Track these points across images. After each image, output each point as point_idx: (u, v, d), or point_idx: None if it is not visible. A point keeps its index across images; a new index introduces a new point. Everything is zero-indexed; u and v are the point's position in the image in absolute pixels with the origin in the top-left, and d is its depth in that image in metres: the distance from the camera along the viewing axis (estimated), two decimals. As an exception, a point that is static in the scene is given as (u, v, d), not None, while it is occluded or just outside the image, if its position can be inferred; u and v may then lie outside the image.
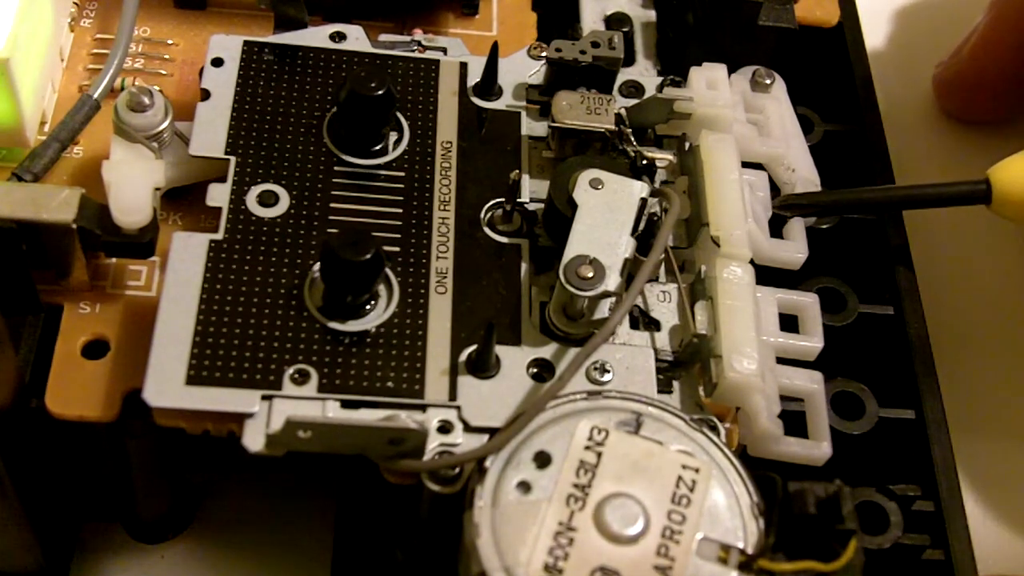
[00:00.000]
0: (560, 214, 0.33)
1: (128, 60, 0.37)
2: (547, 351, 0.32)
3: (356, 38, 0.37)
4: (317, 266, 0.32)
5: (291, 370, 0.30)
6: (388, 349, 0.31)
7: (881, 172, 0.39)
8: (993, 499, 0.40)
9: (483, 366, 0.31)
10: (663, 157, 0.36)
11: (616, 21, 0.40)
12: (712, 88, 0.36)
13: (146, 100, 0.33)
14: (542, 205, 0.34)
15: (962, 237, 0.45)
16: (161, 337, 0.30)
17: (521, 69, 0.37)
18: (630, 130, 0.35)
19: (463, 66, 0.37)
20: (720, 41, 0.38)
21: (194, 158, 0.34)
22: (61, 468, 0.34)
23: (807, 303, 0.34)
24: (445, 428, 0.30)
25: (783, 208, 0.36)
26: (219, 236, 0.32)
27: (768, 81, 0.38)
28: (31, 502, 0.32)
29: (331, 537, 0.36)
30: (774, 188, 0.36)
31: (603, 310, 0.32)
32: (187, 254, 0.32)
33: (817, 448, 0.32)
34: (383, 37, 0.37)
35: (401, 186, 0.34)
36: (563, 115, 0.35)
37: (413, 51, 0.37)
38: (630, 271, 0.32)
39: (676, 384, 0.32)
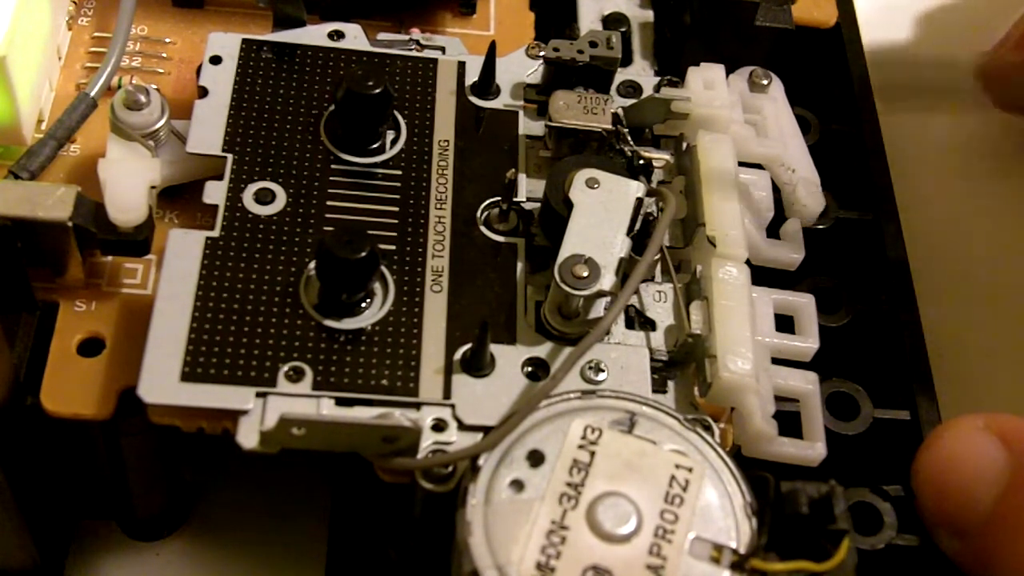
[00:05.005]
0: (556, 213, 0.33)
1: (125, 58, 0.37)
2: (542, 350, 0.32)
3: (354, 37, 0.37)
4: (313, 264, 0.32)
5: (286, 367, 0.30)
6: (383, 347, 0.31)
7: (878, 172, 0.39)
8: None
9: (478, 365, 0.31)
10: (660, 157, 0.36)
11: (614, 21, 0.40)
12: (709, 88, 0.36)
13: (142, 98, 0.33)
14: (538, 204, 0.34)
15: (959, 238, 0.45)
16: (156, 334, 0.30)
17: (519, 68, 0.37)
18: (627, 130, 0.35)
19: (461, 65, 0.37)
20: (717, 41, 0.38)
21: (191, 156, 0.34)
22: (56, 466, 0.34)
23: (803, 304, 0.34)
24: (439, 426, 0.30)
25: None
26: (215, 233, 0.32)
27: (765, 81, 0.38)
28: (26, 500, 0.32)
29: (325, 535, 0.36)
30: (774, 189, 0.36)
31: (598, 309, 0.32)
32: (183, 251, 0.32)
33: (812, 449, 0.32)
34: (381, 36, 0.38)
35: (398, 184, 0.34)
36: (560, 114, 0.35)
37: (411, 50, 0.37)
38: (626, 271, 0.32)
39: (671, 384, 0.32)
